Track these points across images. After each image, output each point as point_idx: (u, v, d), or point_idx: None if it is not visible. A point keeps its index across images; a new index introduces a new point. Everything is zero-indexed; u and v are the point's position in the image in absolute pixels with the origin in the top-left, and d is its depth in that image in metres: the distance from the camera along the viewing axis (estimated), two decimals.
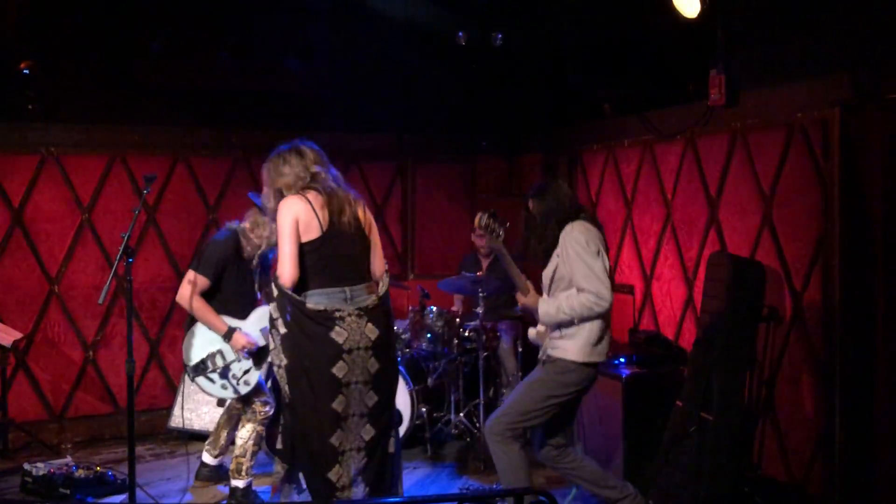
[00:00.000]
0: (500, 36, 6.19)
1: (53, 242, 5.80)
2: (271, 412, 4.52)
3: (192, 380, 4.45)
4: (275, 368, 3.70)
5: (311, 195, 3.64)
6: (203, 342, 4.43)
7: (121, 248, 3.90)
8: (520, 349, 5.75)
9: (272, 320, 3.65)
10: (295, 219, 3.58)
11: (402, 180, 6.99)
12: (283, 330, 3.59)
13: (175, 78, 5.83)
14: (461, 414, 5.61)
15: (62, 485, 4.54)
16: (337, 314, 3.57)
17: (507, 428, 3.90)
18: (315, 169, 3.72)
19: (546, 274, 3.97)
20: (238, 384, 4.40)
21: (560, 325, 3.86)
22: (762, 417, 4.61)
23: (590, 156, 6.40)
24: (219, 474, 4.82)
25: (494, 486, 4.80)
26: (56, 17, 5.61)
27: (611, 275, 6.01)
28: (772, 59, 4.63)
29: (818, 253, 4.34)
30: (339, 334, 3.56)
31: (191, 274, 4.39)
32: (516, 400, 3.95)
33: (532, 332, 4.10)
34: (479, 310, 5.43)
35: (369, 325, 3.62)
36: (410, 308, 5.92)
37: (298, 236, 3.58)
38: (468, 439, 5.56)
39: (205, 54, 5.89)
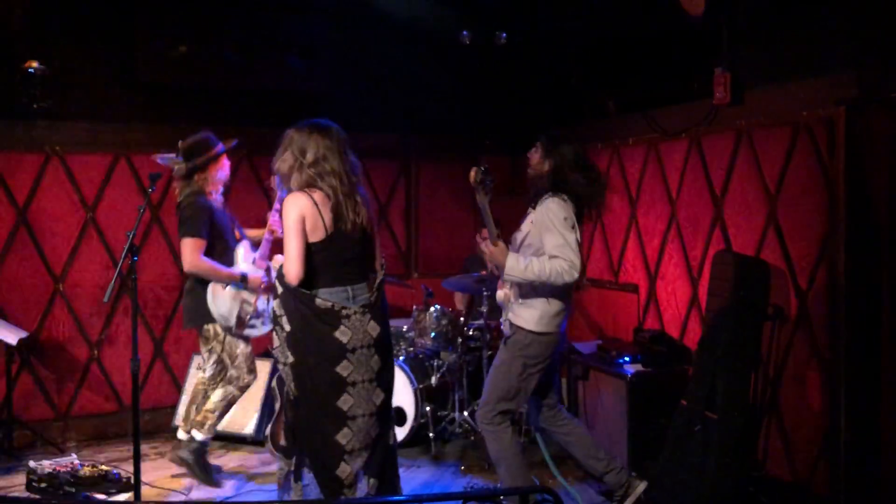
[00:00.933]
0: (504, 35, 6.19)
1: (58, 241, 5.81)
2: (252, 382, 4.80)
3: (240, 336, 4.67)
4: (279, 366, 3.69)
5: (318, 196, 3.59)
6: (225, 301, 4.58)
7: (126, 247, 3.90)
8: None
9: (276, 317, 3.64)
10: (301, 215, 3.54)
11: (406, 179, 6.99)
12: (287, 328, 3.58)
13: (180, 77, 5.83)
14: (465, 413, 5.61)
15: (67, 483, 4.55)
16: (343, 312, 3.56)
17: (494, 414, 4.05)
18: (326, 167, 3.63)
19: (516, 237, 4.12)
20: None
21: (521, 290, 3.97)
22: (767, 417, 4.61)
23: (594, 154, 6.38)
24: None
25: (499, 485, 4.80)
26: (61, 16, 5.63)
27: (615, 272, 6.07)
28: (777, 57, 4.62)
29: (823, 252, 4.33)
30: (343, 333, 3.55)
31: (188, 240, 4.50)
32: (493, 385, 4.10)
33: (499, 293, 4.19)
34: (484, 309, 5.43)
35: (371, 322, 3.62)
36: (414, 307, 5.92)
37: (305, 234, 3.56)
38: (472, 438, 5.56)
39: (209, 53, 5.89)
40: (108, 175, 5.92)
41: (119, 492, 4.64)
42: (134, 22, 5.57)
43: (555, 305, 4.00)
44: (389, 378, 3.76)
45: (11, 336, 5.22)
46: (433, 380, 5.61)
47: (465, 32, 6.09)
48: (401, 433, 5.50)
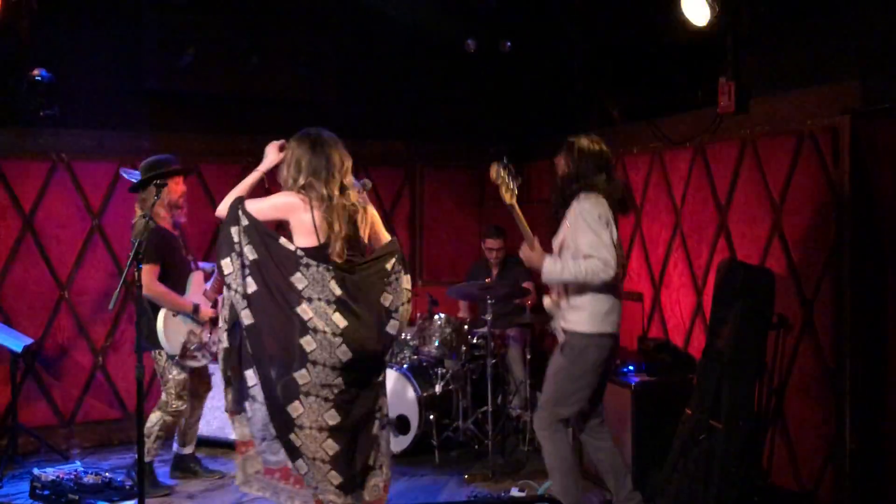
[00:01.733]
0: (508, 43, 6.21)
1: (64, 248, 5.83)
2: (183, 409, 4.87)
3: (182, 365, 4.75)
4: (231, 293, 3.57)
5: (316, 206, 3.60)
6: (174, 328, 4.71)
7: (131, 254, 3.91)
8: (528, 356, 5.74)
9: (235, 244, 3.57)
10: (280, 207, 3.64)
11: (411, 186, 7.00)
12: (252, 256, 3.54)
13: (186, 85, 5.85)
14: (469, 421, 5.60)
15: (71, 490, 4.54)
16: (302, 261, 3.55)
17: (551, 419, 4.03)
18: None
19: (556, 240, 4.08)
20: (212, 346, 4.87)
21: (568, 294, 3.95)
22: (772, 426, 4.59)
23: None
24: (196, 462, 5.15)
25: (502, 495, 4.79)
26: (68, 24, 5.66)
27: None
28: (781, 66, 4.62)
29: (828, 261, 4.32)
30: (299, 280, 3.53)
31: (146, 266, 4.49)
32: (549, 391, 4.07)
33: (546, 300, 4.18)
34: (488, 317, 5.42)
35: (332, 282, 3.56)
36: (419, 315, 5.91)
37: (272, 212, 3.64)
38: (476, 447, 5.55)
39: (215, 61, 5.92)
40: (113, 183, 5.94)
41: (122, 499, 4.64)
42: (141, 30, 5.60)
43: (603, 303, 3.94)
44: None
45: (17, 343, 5.23)
46: (437, 388, 5.61)
47: (470, 40, 6.11)
48: (404, 441, 5.50)
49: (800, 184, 4.51)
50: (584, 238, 3.86)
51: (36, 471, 4.72)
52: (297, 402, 3.53)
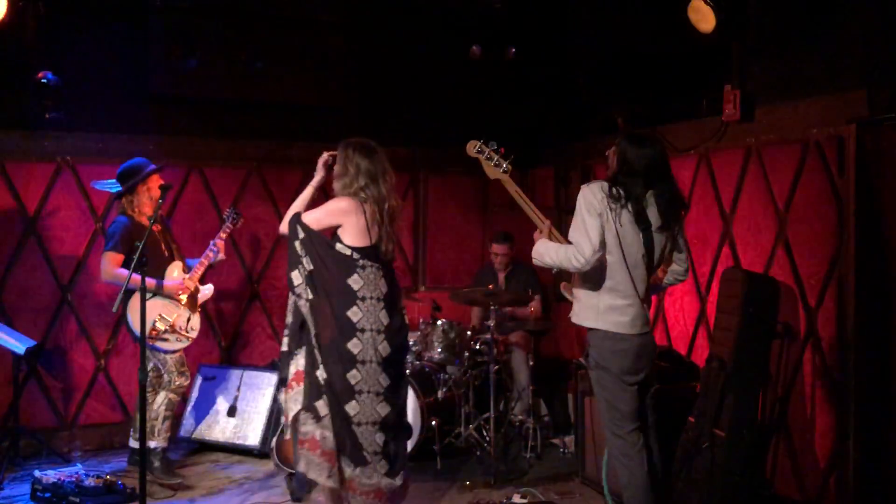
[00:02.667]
0: (514, 49, 6.21)
1: (67, 250, 5.83)
2: (186, 384, 5.14)
3: (150, 347, 4.91)
4: (301, 302, 3.85)
5: (369, 209, 3.89)
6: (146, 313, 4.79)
7: (135, 257, 3.92)
8: (531, 362, 5.73)
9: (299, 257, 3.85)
10: (334, 212, 3.87)
11: (415, 192, 7.00)
12: (309, 267, 3.83)
13: (191, 89, 5.85)
14: (471, 427, 5.58)
15: (72, 493, 4.53)
16: (359, 263, 3.86)
17: (610, 438, 3.92)
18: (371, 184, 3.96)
19: None
20: (189, 332, 5.09)
21: (574, 285, 3.89)
22: (775, 435, 4.58)
23: (603, 170, 6.35)
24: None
25: (504, 501, 4.78)
26: (74, 28, 5.67)
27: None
28: (787, 74, 4.62)
29: (833, 270, 4.31)
30: (356, 282, 3.84)
31: (106, 253, 4.93)
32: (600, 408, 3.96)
33: (562, 284, 4.08)
34: (490, 322, 5.42)
35: (382, 280, 3.92)
36: (421, 320, 5.91)
37: (328, 218, 3.88)
38: (478, 453, 5.53)
39: (220, 66, 5.93)
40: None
41: (123, 502, 4.63)
42: (147, 34, 5.61)
43: (604, 299, 3.75)
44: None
45: (19, 345, 5.23)
46: (439, 394, 5.59)
47: (475, 47, 6.11)
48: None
49: (805, 193, 4.51)
50: (573, 224, 3.75)
51: (37, 473, 4.72)
52: (353, 402, 3.81)
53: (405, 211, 6.94)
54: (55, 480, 4.61)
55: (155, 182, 5.02)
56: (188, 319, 5.09)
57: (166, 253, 5.13)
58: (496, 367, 5.49)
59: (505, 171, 4.08)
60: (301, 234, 3.84)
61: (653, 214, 3.74)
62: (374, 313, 3.83)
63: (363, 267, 3.84)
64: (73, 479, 4.63)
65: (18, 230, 5.70)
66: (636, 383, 3.86)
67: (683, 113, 5.37)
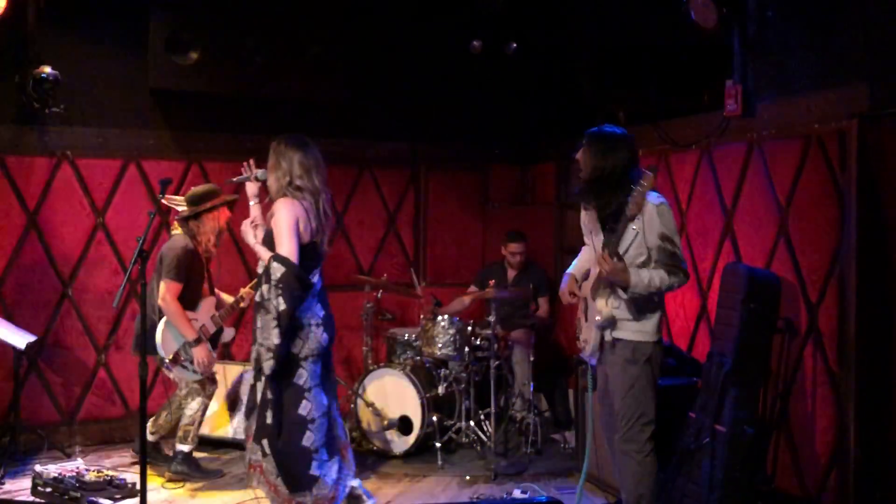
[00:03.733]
0: (514, 45, 6.19)
1: (67, 245, 5.83)
2: (216, 389, 5.17)
3: (169, 369, 4.95)
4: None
5: (310, 204, 3.90)
6: (175, 335, 4.88)
7: (135, 252, 3.91)
8: (532, 358, 5.73)
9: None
10: (296, 224, 3.85)
11: (415, 187, 6.99)
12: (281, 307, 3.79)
13: (192, 83, 5.84)
14: (472, 422, 5.58)
15: (73, 488, 4.54)
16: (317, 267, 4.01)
17: (644, 439, 3.92)
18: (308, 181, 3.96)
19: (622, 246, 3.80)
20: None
21: (636, 303, 3.82)
22: (776, 430, 4.57)
23: None
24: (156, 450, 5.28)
25: (505, 497, 4.78)
26: (74, 22, 5.66)
27: None
28: (789, 69, 4.61)
29: (834, 265, 4.30)
30: (318, 282, 4.00)
31: (169, 283, 4.83)
32: (631, 410, 3.91)
33: (596, 315, 3.96)
34: (492, 318, 5.41)
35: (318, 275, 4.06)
36: (421, 316, 5.91)
37: (296, 232, 3.84)
38: (479, 448, 5.53)
39: (220, 60, 5.91)
40: (117, 180, 5.94)
41: (124, 497, 4.63)
42: (147, 28, 5.59)
43: (660, 310, 3.94)
44: None
45: (20, 340, 5.23)
46: (440, 389, 5.59)
47: (475, 42, 6.10)
48: (407, 442, 5.49)
49: (806, 188, 4.50)
50: (667, 241, 3.78)
51: (38, 468, 4.72)
52: (304, 402, 3.86)
53: (405, 206, 7.03)
54: (56, 475, 4.62)
55: (224, 214, 5.05)
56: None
57: (207, 292, 5.12)
58: (497, 362, 5.49)
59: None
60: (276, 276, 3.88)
61: None
62: (315, 310, 3.95)
63: (318, 268, 3.98)
64: (74, 475, 4.64)
65: (19, 224, 5.70)
66: None
67: (684, 108, 5.36)
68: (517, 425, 5.80)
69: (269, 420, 3.85)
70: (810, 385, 4.44)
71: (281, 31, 5.97)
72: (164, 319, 4.87)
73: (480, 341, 5.65)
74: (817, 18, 4.42)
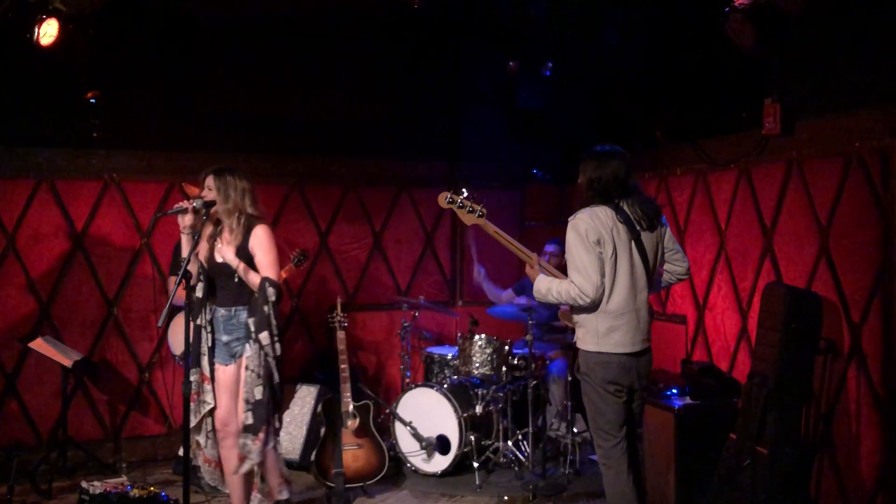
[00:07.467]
0: (550, 64, 6.22)
1: (113, 266, 5.96)
2: None
3: (181, 364, 5.08)
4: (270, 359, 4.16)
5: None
6: (180, 330, 5.05)
7: (180, 273, 3.99)
8: (569, 378, 5.71)
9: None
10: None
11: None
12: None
13: (232, 107, 5.96)
14: (509, 442, 5.57)
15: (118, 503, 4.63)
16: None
17: (599, 452, 3.89)
18: None
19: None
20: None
21: (573, 310, 3.86)
22: (819, 452, 4.50)
23: (642, 184, 6.33)
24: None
25: None
26: (121, 49, 5.81)
27: (663, 303, 6.00)
28: (828, 87, 4.57)
29: (877, 285, 4.24)
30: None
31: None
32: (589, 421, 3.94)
33: (562, 308, 4.09)
34: (528, 337, 5.41)
35: None
36: (459, 334, 5.92)
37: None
38: (516, 468, 5.52)
39: (261, 84, 6.03)
40: (162, 202, 6.07)
41: None
42: (191, 52, 5.73)
43: (602, 322, 3.77)
44: None
45: (67, 358, 5.35)
46: (477, 408, 5.59)
47: (512, 63, 6.14)
48: (444, 462, 5.49)
49: (847, 206, 4.45)
50: (569, 260, 3.77)
51: (84, 484, 4.81)
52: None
53: (442, 225, 7.06)
54: (101, 491, 4.70)
55: None
56: None
57: None
58: (534, 382, 5.48)
59: (480, 216, 4.06)
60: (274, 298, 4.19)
61: (636, 220, 3.81)
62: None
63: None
64: (119, 491, 4.72)
65: (67, 246, 5.85)
66: (629, 396, 3.86)
67: (723, 127, 5.34)
68: (555, 445, 5.78)
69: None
70: (854, 406, 4.37)
71: (322, 53, 6.08)
72: (175, 318, 5.08)
73: (517, 361, 5.65)
74: (857, 35, 4.38)
